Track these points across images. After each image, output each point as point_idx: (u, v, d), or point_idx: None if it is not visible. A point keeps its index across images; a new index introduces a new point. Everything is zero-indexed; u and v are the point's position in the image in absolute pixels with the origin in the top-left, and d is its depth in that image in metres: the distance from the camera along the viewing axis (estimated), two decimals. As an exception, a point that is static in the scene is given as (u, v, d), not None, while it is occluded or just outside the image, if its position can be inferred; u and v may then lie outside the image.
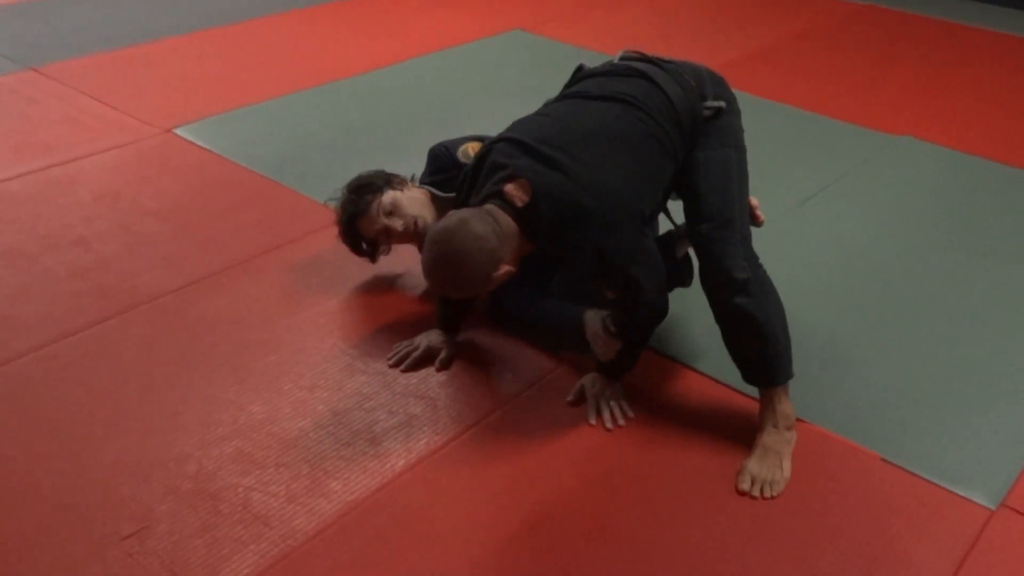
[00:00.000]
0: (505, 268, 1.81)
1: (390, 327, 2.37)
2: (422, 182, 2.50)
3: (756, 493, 1.89)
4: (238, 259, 2.62)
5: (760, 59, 4.36)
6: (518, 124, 2.03)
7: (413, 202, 2.38)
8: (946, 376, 2.25)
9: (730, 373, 2.13)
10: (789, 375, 1.99)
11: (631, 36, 4.65)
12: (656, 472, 1.95)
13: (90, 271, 2.56)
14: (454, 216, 1.81)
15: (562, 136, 1.91)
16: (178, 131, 3.40)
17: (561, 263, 2.03)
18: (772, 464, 1.92)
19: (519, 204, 1.82)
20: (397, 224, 2.34)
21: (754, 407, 2.08)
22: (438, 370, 2.21)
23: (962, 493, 1.90)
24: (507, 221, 1.82)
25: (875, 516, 1.84)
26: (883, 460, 1.98)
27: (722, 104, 2.05)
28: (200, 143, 3.31)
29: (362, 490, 1.87)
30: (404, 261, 2.61)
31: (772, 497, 1.88)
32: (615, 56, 2.18)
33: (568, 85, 2.16)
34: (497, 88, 3.96)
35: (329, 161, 3.22)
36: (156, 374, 2.18)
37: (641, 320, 2.02)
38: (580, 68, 2.18)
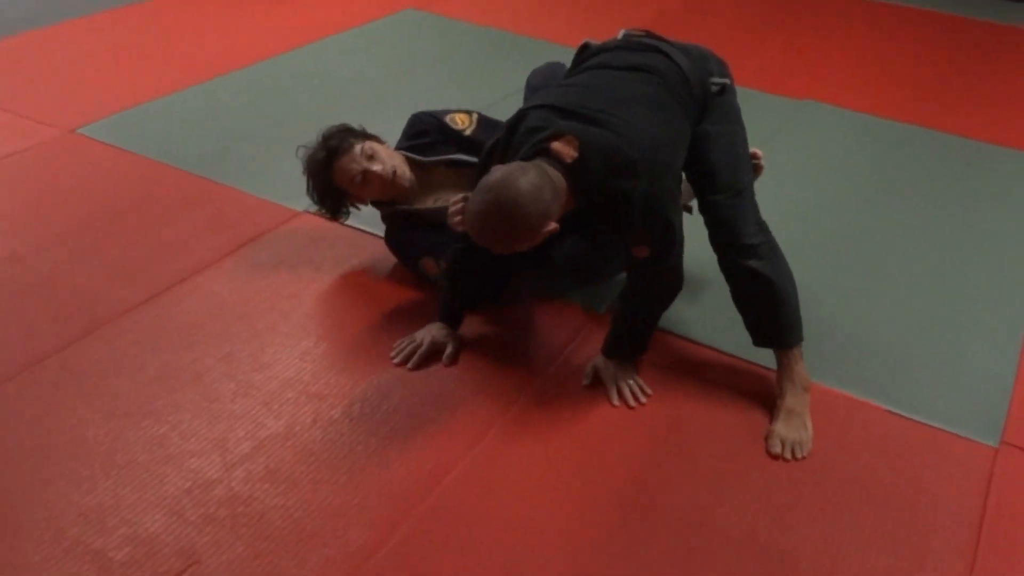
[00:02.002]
0: (552, 225, 1.79)
1: (382, 322, 2.30)
2: (397, 148, 2.47)
3: (788, 455, 1.96)
4: (200, 264, 2.46)
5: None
6: (544, 94, 2.03)
7: (392, 155, 2.37)
8: (914, 321, 2.41)
9: (736, 344, 2.21)
10: (801, 337, 2.08)
11: (522, 11, 4.65)
12: (688, 444, 1.99)
13: (34, 290, 2.33)
14: (507, 167, 1.78)
15: (594, 100, 1.93)
16: (83, 131, 3.14)
17: (599, 224, 2.02)
18: (797, 425, 2.01)
19: (568, 160, 1.81)
20: (377, 167, 2.29)
21: (763, 373, 2.16)
22: (446, 365, 2.17)
23: (964, 434, 2.04)
24: (558, 176, 1.80)
25: (895, 465, 1.95)
26: (887, 411, 2.10)
27: (727, 81, 2.11)
28: (112, 142, 3.07)
29: (408, 494, 1.81)
30: (371, 251, 2.53)
31: (803, 457, 1.96)
32: (618, 34, 2.20)
33: (578, 61, 2.17)
34: (403, 68, 3.90)
35: (258, 154, 3.07)
36: (147, 396, 2.02)
37: (663, 287, 2.04)
38: (586, 45, 2.19)
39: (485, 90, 3.65)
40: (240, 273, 2.44)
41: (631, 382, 2.11)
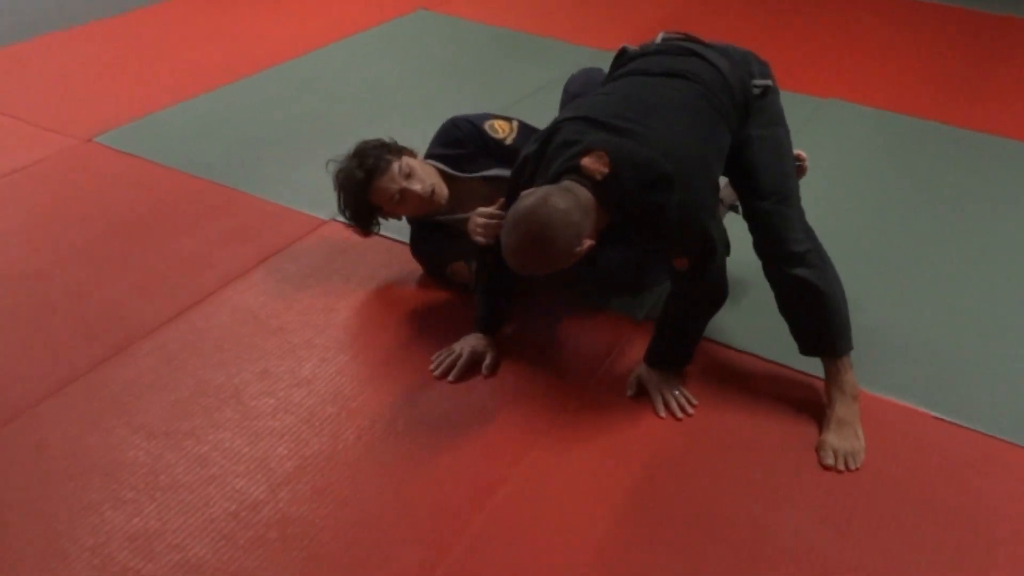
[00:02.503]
0: (587, 242, 1.77)
1: (417, 334, 2.26)
2: (430, 155, 2.40)
3: (841, 466, 1.93)
4: (227, 276, 2.42)
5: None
6: (580, 104, 1.99)
7: (428, 171, 2.30)
8: (955, 324, 2.38)
9: (780, 351, 2.18)
10: (851, 345, 2.04)
11: (535, 11, 4.61)
12: (739, 455, 1.95)
13: (61, 307, 2.28)
14: (533, 194, 1.75)
15: (629, 109, 1.90)
16: (100, 139, 3.08)
17: (635, 236, 1.98)
18: (849, 435, 1.97)
19: (598, 177, 1.78)
20: (416, 186, 2.23)
21: (808, 381, 2.13)
22: (486, 376, 2.13)
23: (1019, 442, 2.01)
24: (585, 195, 1.77)
25: (951, 476, 1.92)
26: (935, 418, 2.07)
27: (770, 82, 2.07)
28: (130, 151, 3.02)
29: (459, 511, 1.77)
30: (401, 261, 2.49)
31: (856, 468, 1.93)
32: (656, 38, 2.16)
33: (616, 66, 2.14)
34: (417, 70, 3.85)
35: (277, 160, 3.03)
36: (185, 415, 1.97)
37: (705, 296, 2.01)
38: (624, 51, 2.15)
39: (502, 92, 3.61)
40: (269, 286, 2.40)
41: (677, 392, 2.07)
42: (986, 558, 1.73)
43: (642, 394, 2.09)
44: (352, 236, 2.59)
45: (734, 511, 1.81)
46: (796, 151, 2.20)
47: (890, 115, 3.59)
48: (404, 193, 2.24)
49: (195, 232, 2.60)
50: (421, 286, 2.44)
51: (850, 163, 3.20)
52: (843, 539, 1.76)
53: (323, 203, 2.75)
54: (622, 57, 2.16)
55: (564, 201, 1.73)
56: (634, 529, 1.76)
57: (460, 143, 2.39)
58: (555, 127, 1.93)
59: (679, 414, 2.04)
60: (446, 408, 2.03)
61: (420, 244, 2.42)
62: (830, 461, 1.94)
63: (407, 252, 2.52)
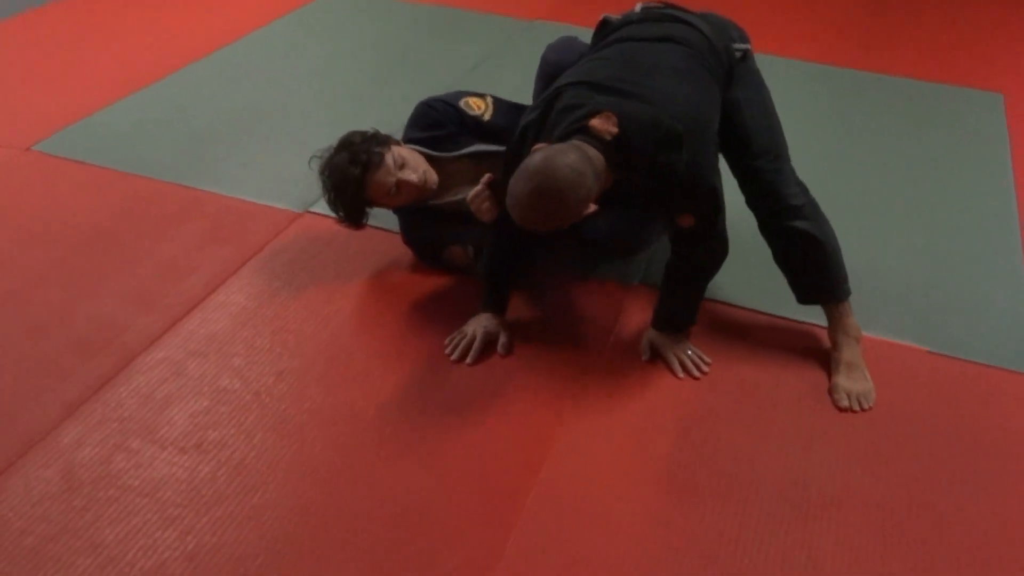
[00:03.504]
0: (592, 206, 1.78)
1: (424, 319, 2.25)
2: (408, 140, 2.37)
3: (856, 407, 2.03)
4: (215, 280, 2.35)
5: None
6: (577, 70, 2.00)
7: (416, 158, 2.28)
8: (916, 263, 2.52)
9: (775, 303, 2.28)
10: (850, 290, 2.14)
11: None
12: (759, 404, 2.03)
13: (49, 329, 2.17)
14: (547, 150, 1.75)
15: (629, 73, 1.92)
16: (39, 147, 2.92)
17: (641, 197, 2.00)
18: (858, 377, 2.08)
19: (608, 137, 1.79)
20: (412, 176, 2.21)
21: (807, 329, 2.23)
22: (503, 355, 2.14)
23: (1013, 368, 2.16)
24: (595, 154, 1.78)
25: (955, 405, 2.04)
26: (929, 352, 2.20)
27: (748, 46, 2.13)
28: (75, 157, 2.87)
29: (510, 492, 1.79)
30: (387, 247, 2.47)
31: (869, 407, 2.04)
32: (636, 7, 2.19)
33: (600, 36, 2.16)
34: (350, 51, 3.81)
35: (230, 155, 2.94)
36: (210, 425, 1.92)
37: (711, 254, 2.06)
38: (606, 21, 2.18)
39: (443, 70, 3.59)
40: (260, 285, 2.34)
41: (690, 352, 2.13)
42: (1006, 478, 1.86)
43: (656, 357, 2.15)
44: (332, 227, 2.55)
45: (769, 461, 1.89)
46: None
47: (812, 65, 3.74)
48: (400, 185, 2.22)
49: (169, 237, 2.51)
50: (414, 271, 2.42)
51: (785, 115, 3.32)
52: (874, 477, 1.86)
53: (293, 195, 2.70)
54: (606, 27, 2.18)
55: (577, 157, 1.74)
56: (681, 488, 1.82)
57: (438, 124, 2.37)
58: (555, 93, 1.94)
59: (696, 373, 2.10)
60: (469, 390, 2.04)
61: (412, 231, 2.41)
62: (845, 403, 2.03)
63: (392, 239, 2.50)
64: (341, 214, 2.30)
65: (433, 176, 2.28)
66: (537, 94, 2.43)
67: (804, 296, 2.18)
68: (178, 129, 3.08)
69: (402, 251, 2.46)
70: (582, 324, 2.27)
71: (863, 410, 2.03)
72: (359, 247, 2.50)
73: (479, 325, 2.16)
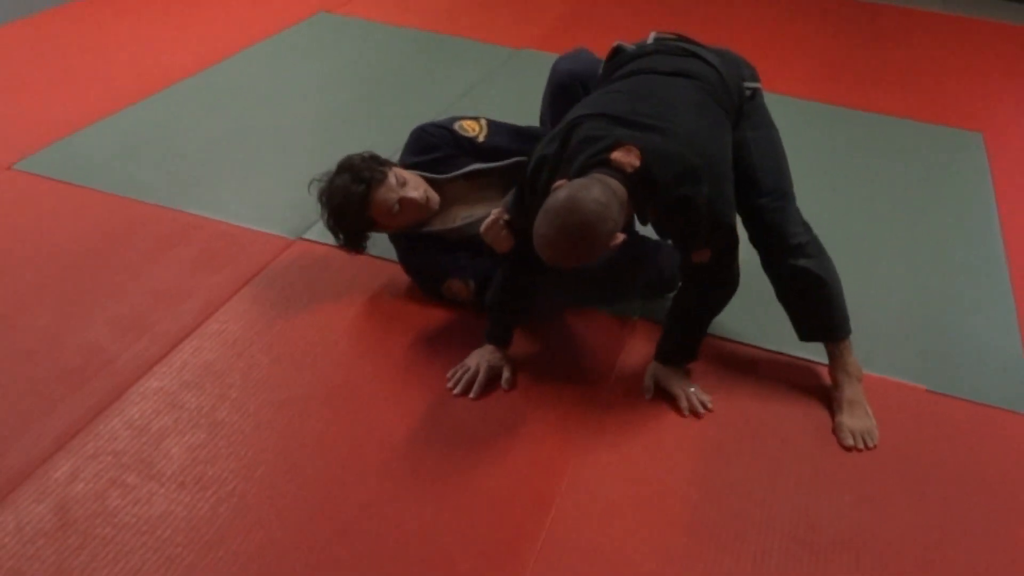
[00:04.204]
0: (618, 236, 1.76)
1: (425, 348, 2.22)
2: (404, 166, 2.36)
3: (860, 445, 2.03)
4: (208, 307, 2.29)
5: (580, 19, 4.48)
6: (593, 102, 1.99)
7: (416, 179, 2.28)
8: (905, 302, 2.53)
9: (776, 339, 2.28)
10: (850, 329, 2.15)
11: (437, 9, 4.56)
12: (766, 441, 2.02)
13: (38, 356, 2.10)
14: (569, 187, 1.74)
15: (648, 106, 1.92)
16: (21, 166, 2.84)
17: (660, 231, 1.99)
18: (861, 415, 2.08)
19: (629, 170, 1.78)
20: (414, 194, 2.20)
21: (807, 366, 2.24)
22: (507, 390, 2.11)
23: (1012, 408, 2.17)
24: (619, 187, 1.76)
25: (957, 443, 2.05)
26: (928, 392, 2.21)
27: (759, 85, 2.14)
28: (60, 177, 2.80)
29: (527, 525, 1.76)
30: (384, 274, 2.44)
31: (874, 446, 2.04)
32: (648, 38, 2.19)
33: (615, 65, 2.15)
34: (339, 74, 3.78)
35: (221, 177, 2.89)
36: (210, 458, 1.86)
37: (721, 290, 2.05)
38: (619, 48, 2.18)
39: (433, 95, 3.57)
40: (255, 314, 2.29)
41: (693, 390, 2.12)
42: (1010, 517, 1.87)
43: (660, 393, 2.12)
44: (327, 254, 2.52)
45: (779, 500, 1.88)
46: None
47: (792, 100, 3.78)
48: (403, 202, 2.20)
49: (160, 262, 2.45)
50: (412, 299, 2.38)
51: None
52: (883, 516, 1.86)
53: (286, 222, 2.66)
54: (619, 55, 2.17)
55: (602, 191, 1.72)
56: (694, 528, 1.80)
57: (434, 147, 2.37)
58: (572, 126, 1.92)
59: (700, 410, 2.08)
60: (475, 424, 2.01)
61: (412, 259, 2.37)
62: (850, 442, 2.03)
63: (388, 266, 2.47)
64: (341, 237, 2.27)
65: (434, 196, 2.27)
66: (547, 105, 2.43)
67: (805, 334, 2.18)
68: (166, 150, 3.02)
69: (399, 279, 2.43)
70: (584, 358, 2.25)
71: (867, 448, 2.03)
72: (355, 274, 2.46)
73: (483, 358, 2.13)
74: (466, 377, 2.10)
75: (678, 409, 2.08)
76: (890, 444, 2.04)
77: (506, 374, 2.12)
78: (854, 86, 4.05)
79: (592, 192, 1.71)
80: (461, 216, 2.34)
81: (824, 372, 2.20)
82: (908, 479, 1.95)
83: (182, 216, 2.66)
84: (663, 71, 2.05)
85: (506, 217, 2.06)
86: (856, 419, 2.07)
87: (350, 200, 2.18)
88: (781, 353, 2.29)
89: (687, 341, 2.14)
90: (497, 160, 2.35)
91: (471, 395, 2.07)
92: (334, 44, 4.08)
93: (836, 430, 2.07)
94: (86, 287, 2.33)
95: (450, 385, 2.10)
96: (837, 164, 3.31)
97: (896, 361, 2.30)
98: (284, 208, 2.72)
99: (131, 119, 3.21)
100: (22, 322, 2.19)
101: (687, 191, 1.82)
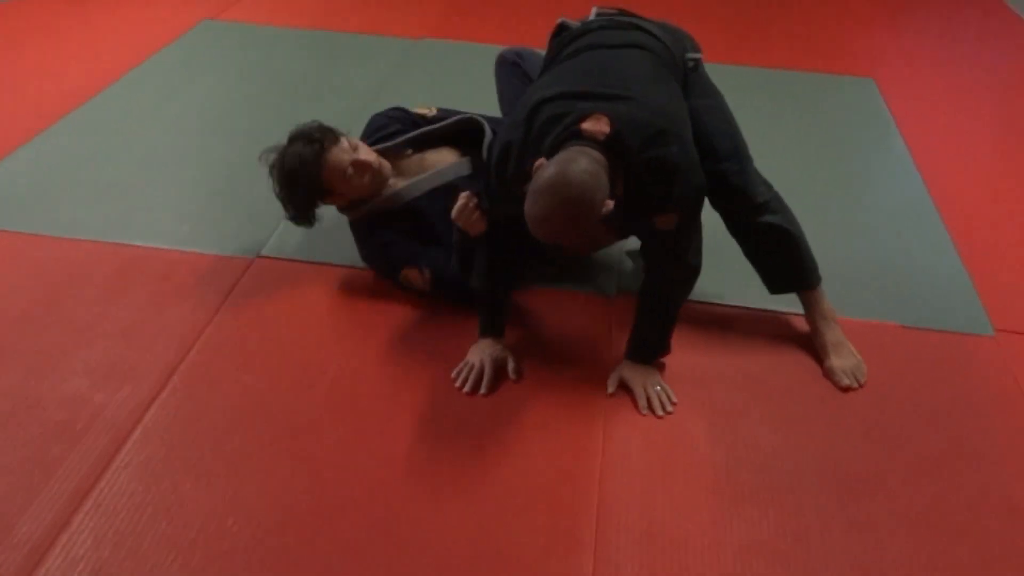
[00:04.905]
0: (609, 203, 1.76)
1: (422, 349, 2.19)
2: None
3: (855, 384, 2.14)
4: (187, 340, 2.18)
5: None
6: (547, 83, 1.98)
7: (367, 147, 2.34)
8: (841, 241, 2.66)
9: (746, 296, 2.38)
10: (820, 276, 2.24)
11: (324, 7, 4.46)
12: (771, 398, 2.10)
13: (17, 418, 1.94)
14: (555, 163, 1.74)
15: (603, 78, 1.93)
16: (-70, 217, 2.62)
17: (633, 195, 1.92)
18: (848, 354, 2.19)
19: (601, 137, 1.79)
20: (367, 156, 2.25)
21: (779, 318, 2.34)
22: (516, 381, 2.11)
23: (965, 330, 2.33)
24: (598, 155, 1.77)
25: (940, 373, 2.18)
26: (902, 327, 2.34)
27: (700, 55, 2.20)
28: (-22, 225, 2.60)
29: (574, 516, 1.78)
30: (359, 281, 2.39)
31: (864, 381, 2.15)
32: (591, 13, 2.21)
33: (562, 42, 2.15)
34: (242, 84, 3.66)
35: (153, 205, 2.75)
36: (235, 504, 1.78)
37: (686, 267, 2.04)
38: (564, 25, 2.19)
39: (346, 95, 3.50)
40: (235, 342, 2.20)
41: (658, 389, 2.08)
42: (1011, 436, 2.02)
43: (622, 390, 2.10)
44: (292, 268, 2.47)
45: (799, 451, 1.95)
46: None
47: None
48: (356, 165, 2.23)
49: (119, 301, 2.31)
50: (390, 302, 2.34)
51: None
52: (896, 449, 1.96)
53: (236, 240, 2.57)
54: (565, 32, 2.19)
55: (588, 161, 1.73)
56: (732, 492, 1.85)
57: (386, 126, 2.47)
58: (532, 110, 1.91)
59: (659, 412, 2.04)
60: (495, 418, 2.00)
61: (370, 246, 2.36)
62: (846, 382, 2.13)
63: (358, 273, 2.42)
64: (291, 209, 2.28)
65: (386, 164, 2.31)
66: (503, 89, 2.44)
67: (778, 286, 2.25)
68: (84, 182, 2.84)
69: (375, 285, 2.39)
70: (576, 340, 2.27)
71: (860, 385, 2.14)
72: (325, 286, 2.40)
73: (484, 353, 2.12)
74: (472, 375, 2.09)
75: (638, 408, 2.05)
76: (881, 380, 2.16)
77: (512, 364, 2.12)
78: (740, 42, 4.21)
79: (580, 163, 1.72)
80: (417, 186, 2.35)
81: (797, 321, 2.30)
82: (906, 411, 2.07)
83: (125, 249, 2.52)
84: (612, 44, 2.06)
85: (475, 200, 2.05)
86: (844, 359, 2.17)
87: (304, 162, 2.19)
88: (755, 309, 2.38)
89: (654, 333, 2.13)
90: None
91: (482, 391, 2.06)
92: (228, 52, 3.93)
93: (829, 374, 2.16)
94: (48, 340, 2.17)
95: (458, 384, 2.08)
96: (742, 123, 3.42)
97: (862, 303, 2.41)
98: (230, 227, 2.62)
99: (32, 154, 3.00)
100: (-13, 380, 2.04)
101: (658, 152, 1.83)
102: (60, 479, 1.80)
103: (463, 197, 2.06)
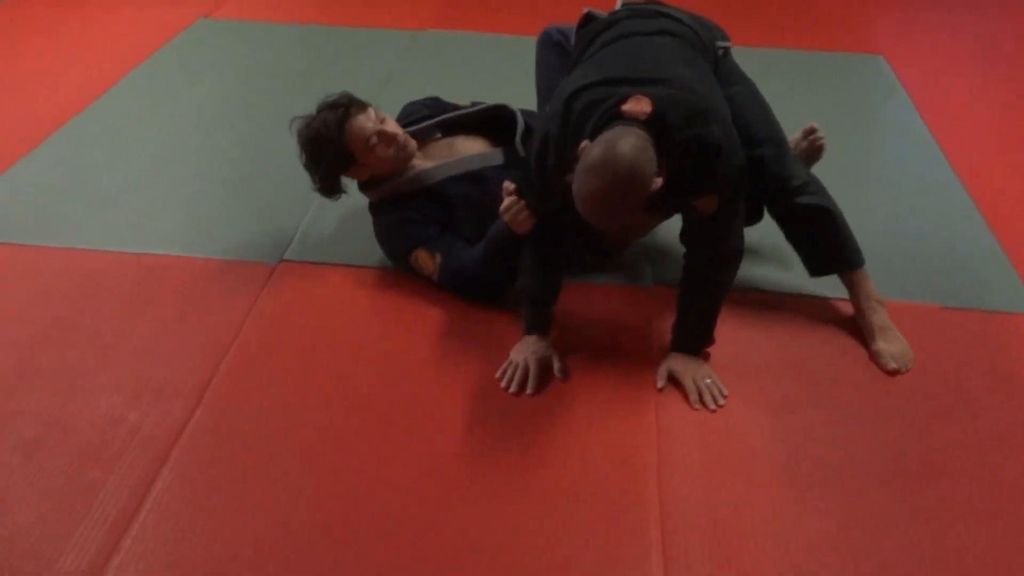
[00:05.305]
0: (657, 180, 1.72)
1: (465, 350, 2.13)
2: None
3: (903, 368, 2.09)
4: (219, 351, 2.11)
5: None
6: (582, 73, 1.95)
7: (395, 122, 2.33)
8: (880, 223, 2.62)
9: (787, 283, 2.34)
10: (863, 257, 2.19)
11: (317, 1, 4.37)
12: (820, 385, 2.05)
13: (49, 439, 1.87)
14: (601, 141, 1.71)
15: (640, 64, 1.92)
16: (-64, 233, 2.53)
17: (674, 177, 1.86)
18: (895, 338, 2.14)
19: (643, 117, 1.75)
20: (393, 128, 2.25)
21: (821, 303, 2.30)
22: (563, 380, 2.05)
23: (1011, 309, 2.29)
24: (642, 133, 1.73)
25: (983, 354, 2.14)
26: (943, 308, 2.30)
27: (729, 44, 2.17)
28: (-9, 238, 2.52)
29: (635, 512, 1.73)
30: (388, 281, 2.32)
31: (911, 365, 2.10)
32: (617, 3, 2.19)
33: (589, 33, 2.13)
34: (247, 81, 3.59)
35: (169, 213, 2.67)
36: (309, 506, 1.72)
37: (729, 251, 2.01)
38: (591, 15, 2.17)
39: (352, 91, 3.39)
40: (268, 348, 2.13)
41: (708, 382, 2.02)
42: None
43: (672, 383, 2.05)
44: (316, 271, 2.41)
45: (854, 439, 1.91)
46: (811, 124, 2.37)
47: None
48: (380, 135, 2.22)
49: (141, 314, 2.23)
50: (422, 302, 2.28)
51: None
52: (953, 431, 1.92)
53: (257, 246, 2.50)
54: (591, 23, 2.16)
55: (634, 137, 1.70)
56: (795, 485, 1.80)
57: (418, 111, 2.47)
58: (569, 99, 1.88)
59: (712, 405, 1.99)
60: (541, 418, 1.94)
61: (387, 223, 2.32)
62: (893, 366, 2.09)
63: (389, 276, 2.35)
64: (317, 178, 2.28)
65: (412, 142, 2.30)
66: (544, 73, 2.38)
67: (820, 268, 2.21)
68: (91, 190, 2.76)
69: (398, 285, 2.33)
70: (618, 332, 2.21)
71: (908, 370, 2.09)
72: (353, 289, 2.34)
73: (528, 352, 2.06)
74: (518, 375, 2.03)
75: (689, 402, 2.00)
76: (928, 362, 2.11)
77: (557, 363, 2.06)
78: (744, 23, 4.12)
79: (628, 139, 1.69)
80: (441, 169, 2.32)
81: (840, 306, 2.26)
82: (956, 393, 2.03)
83: (142, 259, 2.44)
84: (644, 32, 2.04)
85: (523, 200, 2.02)
86: (892, 343, 2.13)
87: (328, 125, 2.20)
88: (796, 295, 2.32)
89: (699, 323, 2.08)
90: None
91: (528, 391, 2.00)
92: (227, 50, 3.84)
93: (876, 357, 2.12)
94: (72, 359, 2.09)
95: (503, 385, 2.03)
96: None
97: (899, 285, 2.36)
98: (248, 231, 2.56)
99: (36, 163, 2.92)
100: (13, 410, 1.95)
101: (699, 131, 1.80)
102: (102, 503, 1.73)
103: (509, 193, 2.03)
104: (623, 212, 1.73)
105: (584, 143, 1.76)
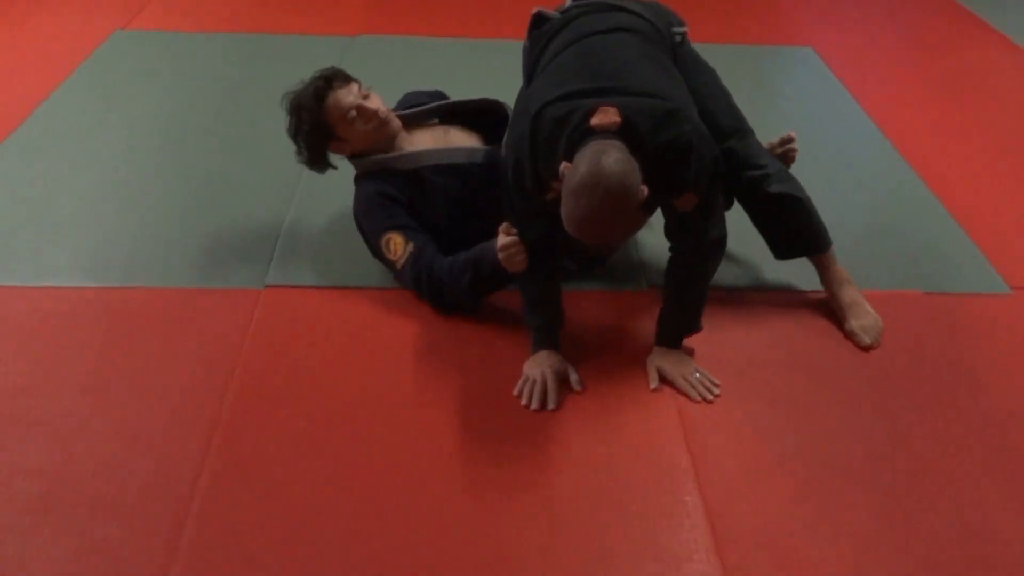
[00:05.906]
0: (644, 188, 1.73)
1: (474, 368, 2.09)
2: None
3: (875, 341, 2.17)
4: (217, 387, 1.99)
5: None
6: (544, 86, 1.94)
7: (380, 99, 2.33)
8: (844, 213, 2.70)
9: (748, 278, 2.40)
10: (830, 239, 2.26)
11: (237, 9, 4.20)
12: (812, 374, 2.10)
13: (53, 491, 1.74)
14: (584, 159, 1.71)
15: (600, 71, 1.91)
16: None
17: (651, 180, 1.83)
18: (864, 313, 2.21)
19: (613, 128, 1.76)
20: (373, 104, 2.25)
21: (788, 296, 2.36)
22: (580, 392, 2.03)
23: (986, 291, 2.40)
24: (620, 145, 1.74)
25: (967, 333, 2.24)
26: (925, 293, 2.39)
27: (686, 29, 2.18)
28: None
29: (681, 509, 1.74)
30: (387, 301, 2.26)
31: (882, 331, 2.19)
32: (567, 1, 2.17)
33: (542, 34, 2.11)
34: (191, 93, 3.40)
35: (136, 243, 2.50)
36: (357, 536, 1.65)
37: (712, 244, 2.02)
38: (540, 15, 2.15)
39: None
40: (269, 379, 2.03)
41: (698, 376, 2.05)
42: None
43: (665, 383, 2.06)
44: (303, 294, 2.31)
45: (859, 428, 1.96)
46: (788, 133, 2.38)
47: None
48: (360, 110, 2.22)
49: (129, 354, 2.09)
50: (413, 321, 2.22)
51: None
52: (951, 416, 2.00)
53: (235, 272, 2.40)
54: (545, 24, 2.14)
55: (616, 151, 1.71)
56: (815, 480, 1.84)
57: (420, 99, 2.50)
58: (534, 119, 1.86)
59: (709, 397, 2.01)
60: (565, 432, 1.93)
61: (368, 196, 2.29)
62: (868, 340, 2.17)
63: (377, 296, 2.29)
64: (302, 149, 2.29)
65: (396, 120, 2.30)
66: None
67: (788, 252, 2.27)
68: (40, 222, 2.57)
69: (387, 305, 2.27)
70: (622, 337, 2.21)
71: (878, 343, 2.17)
72: (344, 311, 2.25)
73: (544, 367, 2.03)
74: (537, 390, 2.00)
75: (690, 398, 2.02)
76: (917, 345, 2.20)
77: (573, 376, 2.05)
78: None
79: (611, 154, 1.69)
80: (429, 154, 2.32)
81: (804, 297, 2.33)
82: (950, 373, 2.11)
83: (114, 293, 2.29)
84: (600, 30, 2.02)
85: (515, 233, 2.01)
86: (862, 318, 2.20)
87: (308, 96, 2.22)
88: (770, 291, 2.37)
89: (686, 314, 2.09)
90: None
91: (550, 406, 1.98)
92: (154, 63, 3.63)
93: (851, 336, 2.19)
94: (62, 407, 1.94)
95: (524, 402, 1.99)
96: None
97: (877, 273, 2.44)
98: (220, 256, 2.46)
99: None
100: (8, 462, 1.80)
101: (671, 134, 1.81)
102: (130, 565, 1.61)
103: (502, 231, 2.02)
104: (619, 227, 1.74)
105: (564, 164, 1.75)
